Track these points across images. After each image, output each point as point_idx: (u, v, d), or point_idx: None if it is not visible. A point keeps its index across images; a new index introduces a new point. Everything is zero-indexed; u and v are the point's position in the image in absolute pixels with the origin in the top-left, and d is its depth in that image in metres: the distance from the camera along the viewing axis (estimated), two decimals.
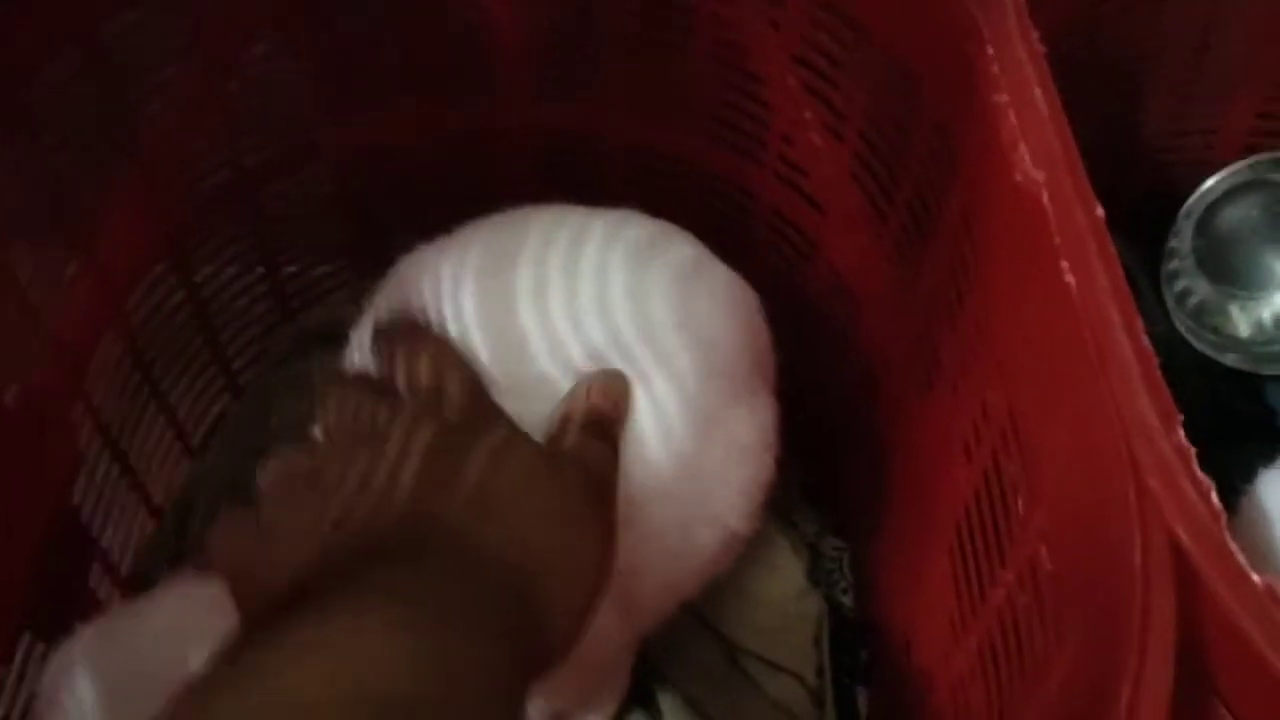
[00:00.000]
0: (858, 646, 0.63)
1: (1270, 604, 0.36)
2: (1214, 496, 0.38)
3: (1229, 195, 0.79)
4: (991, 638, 0.50)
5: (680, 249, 0.57)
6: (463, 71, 0.71)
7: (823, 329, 0.70)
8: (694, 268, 0.56)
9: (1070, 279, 0.43)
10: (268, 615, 0.38)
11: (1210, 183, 0.79)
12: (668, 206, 0.73)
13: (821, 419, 0.70)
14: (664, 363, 0.53)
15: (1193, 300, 0.80)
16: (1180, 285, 0.80)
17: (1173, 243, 0.80)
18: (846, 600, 0.64)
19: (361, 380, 0.52)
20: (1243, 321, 0.80)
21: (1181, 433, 0.39)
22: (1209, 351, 0.78)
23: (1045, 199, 0.46)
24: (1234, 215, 0.80)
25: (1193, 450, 0.39)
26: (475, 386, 0.51)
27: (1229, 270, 0.80)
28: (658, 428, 0.52)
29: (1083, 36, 0.73)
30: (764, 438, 0.56)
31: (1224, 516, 0.38)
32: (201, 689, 0.34)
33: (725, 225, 0.73)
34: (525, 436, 0.48)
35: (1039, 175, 0.47)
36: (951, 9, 0.53)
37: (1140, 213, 0.80)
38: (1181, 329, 0.79)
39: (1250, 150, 0.79)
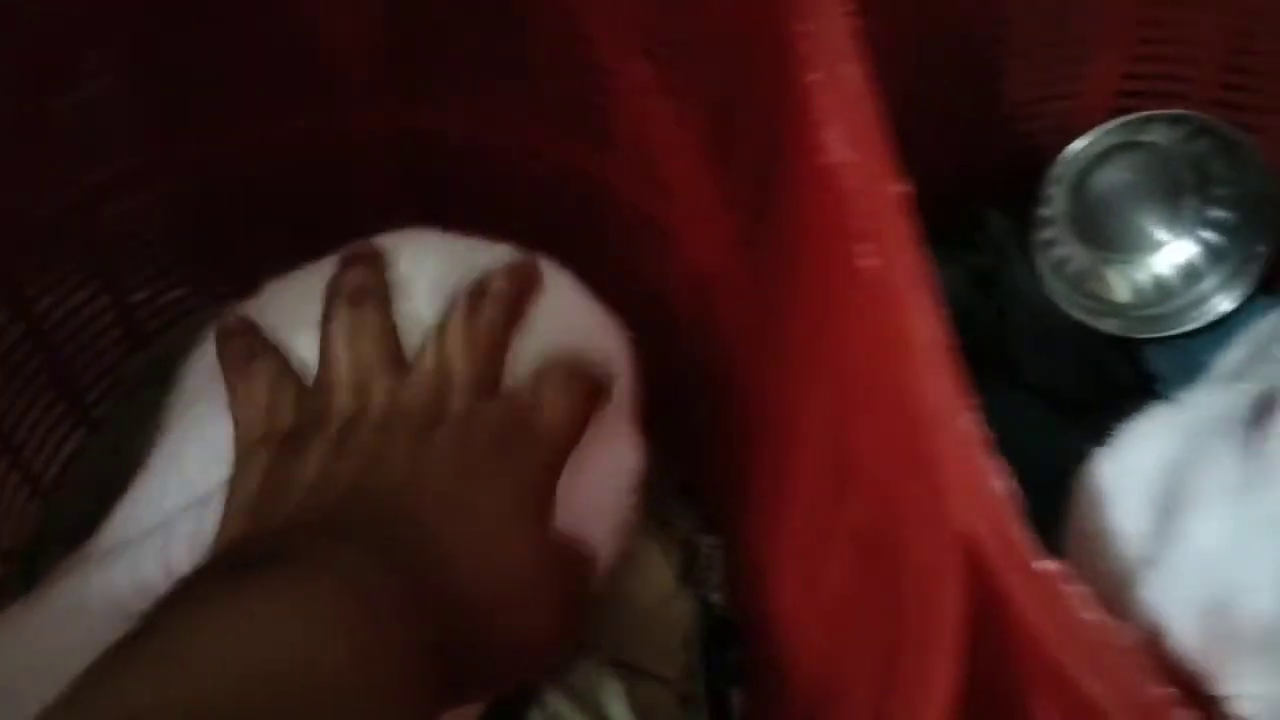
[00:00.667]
0: (726, 646, 0.61)
1: (1059, 595, 0.34)
2: (1006, 484, 0.36)
3: (1100, 159, 0.79)
4: (837, 633, 0.49)
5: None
6: (300, 80, 0.69)
7: (683, 320, 0.68)
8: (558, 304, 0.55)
9: (868, 263, 0.42)
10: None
11: (1078, 145, 0.78)
12: (525, 205, 0.72)
13: (691, 413, 0.68)
14: None
15: (1070, 267, 0.79)
16: (1056, 253, 0.79)
17: (1045, 210, 0.79)
18: (718, 599, 0.63)
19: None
20: (1121, 286, 0.79)
21: (976, 418, 0.38)
22: (1086, 319, 0.78)
23: (849, 180, 0.44)
24: (1107, 179, 0.79)
25: (988, 436, 0.37)
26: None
27: (1105, 235, 0.79)
28: None
29: (937, 8, 0.72)
30: (628, 481, 0.56)
31: (1016, 505, 0.36)
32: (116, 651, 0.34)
33: (581, 221, 0.71)
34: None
35: (845, 156, 0.45)
36: None
37: (1012, 181, 0.79)
38: (1057, 298, 0.78)
39: (1118, 112, 0.78)
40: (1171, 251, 0.78)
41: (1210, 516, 0.43)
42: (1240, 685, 0.39)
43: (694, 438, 0.69)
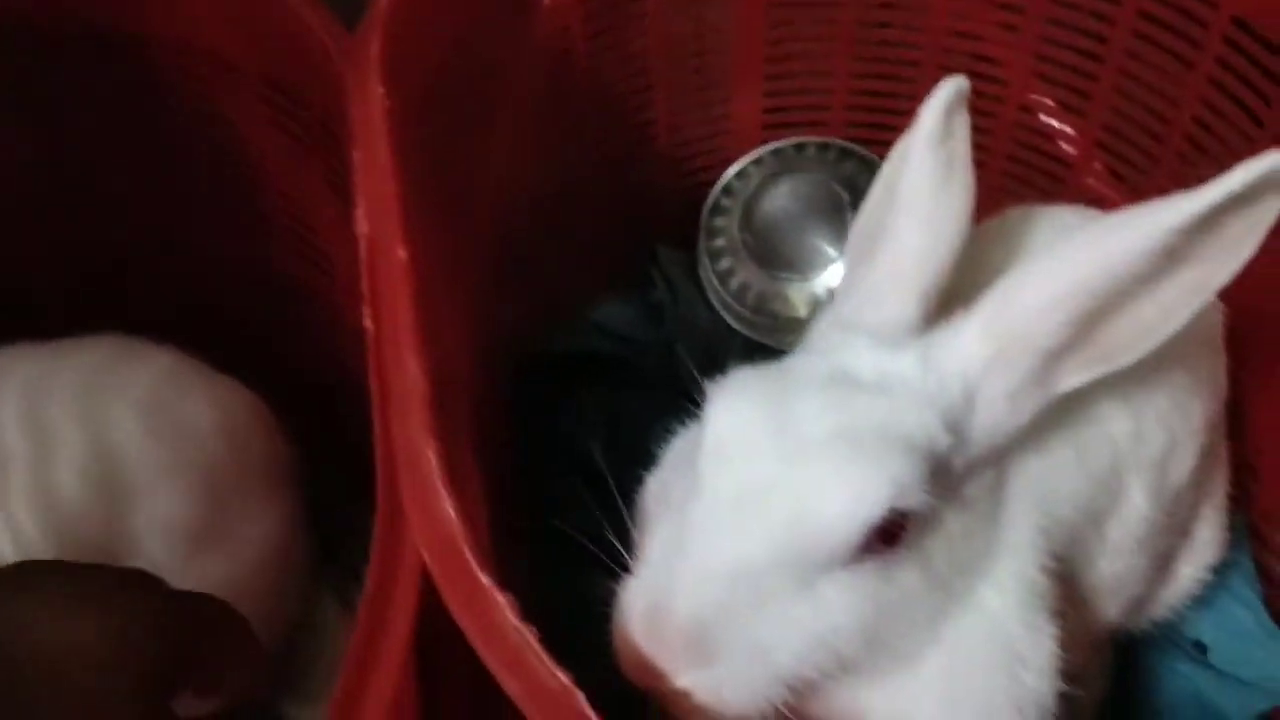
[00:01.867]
0: None
1: (486, 607, 0.38)
2: (456, 512, 0.40)
3: (763, 188, 0.84)
4: None
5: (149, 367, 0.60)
6: None
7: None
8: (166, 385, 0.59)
9: (369, 324, 0.46)
10: None
11: (736, 177, 0.84)
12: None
13: None
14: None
15: (751, 293, 0.84)
16: (736, 281, 0.84)
17: (718, 241, 0.84)
18: None
19: None
20: (800, 303, 0.84)
21: (438, 459, 0.42)
22: (766, 339, 0.82)
23: (366, 250, 0.48)
24: (773, 205, 0.84)
25: (445, 470, 0.41)
26: None
27: (780, 257, 0.84)
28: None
29: (578, 63, 0.77)
30: (277, 543, 0.59)
31: (469, 533, 0.40)
32: None
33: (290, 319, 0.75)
34: None
35: (366, 229, 0.49)
36: (330, 68, 0.56)
37: (680, 218, 0.84)
38: (741, 323, 0.83)
39: (769, 141, 0.83)
40: (840, 265, 0.83)
41: (663, 523, 0.47)
42: (680, 679, 0.43)
43: None
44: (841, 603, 0.43)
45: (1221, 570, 0.68)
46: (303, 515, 0.66)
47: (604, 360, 0.78)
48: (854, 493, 0.42)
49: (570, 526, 0.55)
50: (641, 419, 0.64)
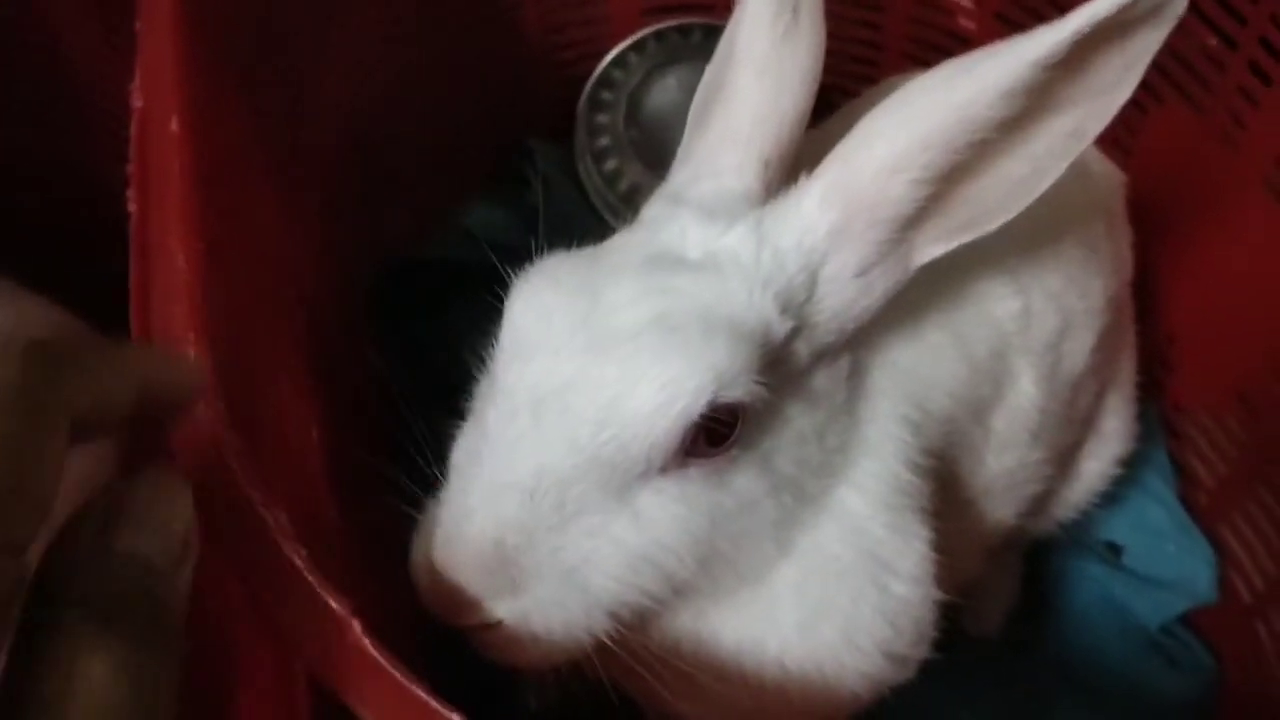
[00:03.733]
0: None
1: (257, 526, 0.33)
2: (221, 417, 0.35)
3: (646, 81, 0.78)
4: None
5: None
6: None
7: None
8: None
9: (133, 207, 0.40)
10: None
11: (609, 62, 0.77)
12: None
13: None
14: None
15: (641, 197, 0.77)
16: (624, 184, 0.78)
17: (602, 140, 0.78)
18: None
19: None
20: None
21: (200, 350, 0.36)
22: None
23: (135, 127, 0.42)
24: (658, 99, 0.78)
25: (212, 368, 0.36)
26: None
27: (670, 156, 0.78)
28: None
29: None
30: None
31: (237, 438, 0.35)
32: None
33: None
34: None
35: (140, 102, 0.43)
36: None
37: (557, 112, 0.78)
38: (608, 214, 0.77)
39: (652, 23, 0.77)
40: None
41: (464, 436, 0.40)
42: (485, 612, 0.37)
43: None
44: (664, 516, 0.37)
45: (1133, 465, 0.63)
46: None
47: (474, 268, 0.72)
48: (667, 385, 0.36)
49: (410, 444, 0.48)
50: None
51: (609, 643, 0.38)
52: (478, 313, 0.72)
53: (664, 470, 0.37)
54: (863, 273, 0.40)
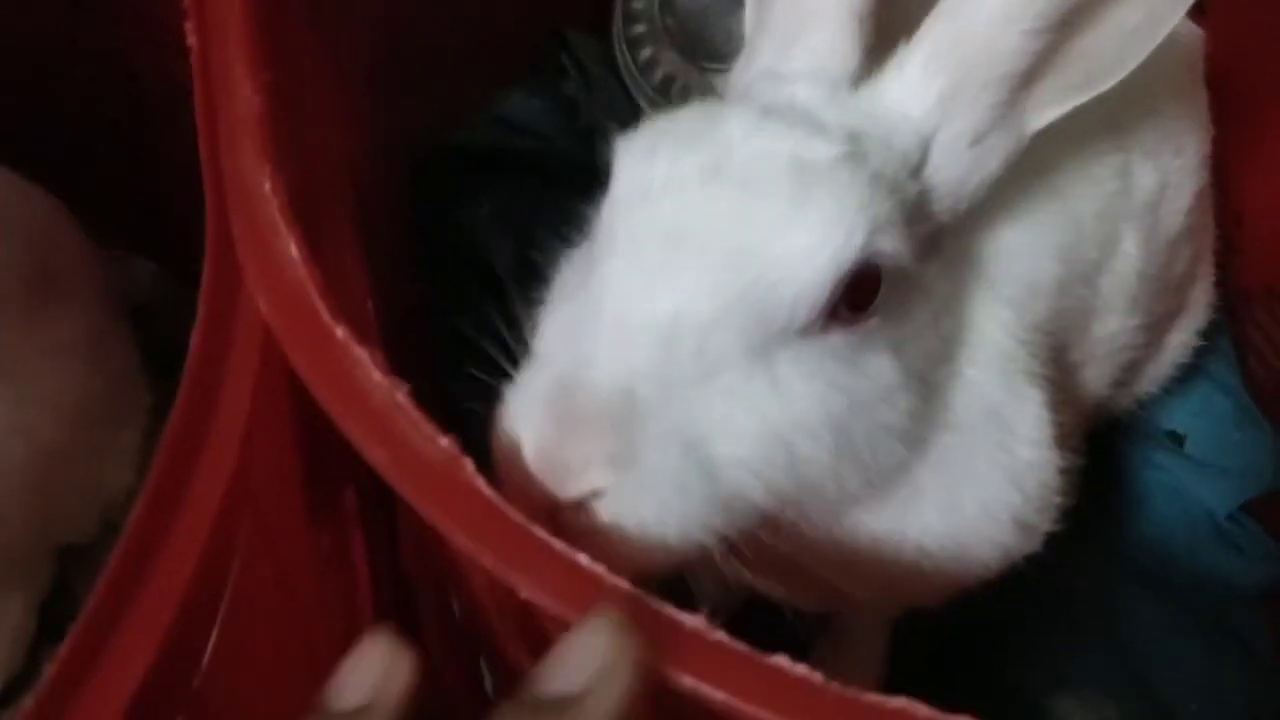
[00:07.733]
0: None
1: (347, 364, 0.30)
2: (305, 260, 0.32)
3: None
4: None
5: None
6: None
7: None
8: None
9: (192, 40, 0.37)
10: None
11: None
12: None
13: None
14: None
15: (676, 86, 0.75)
16: (660, 73, 0.74)
17: (638, 27, 0.74)
18: None
19: None
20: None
21: (278, 189, 0.33)
22: None
23: None
24: None
25: (286, 207, 0.33)
26: None
27: (704, 47, 0.76)
28: None
29: None
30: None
31: (319, 278, 0.32)
32: None
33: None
34: None
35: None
36: None
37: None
38: (644, 103, 0.74)
39: None
40: None
41: (558, 311, 0.37)
42: (589, 479, 0.31)
43: None
44: (804, 389, 0.34)
45: (1201, 353, 0.61)
46: (127, 350, 0.56)
47: (511, 156, 0.69)
48: (821, 225, 0.33)
49: (469, 329, 0.45)
50: (553, 220, 0.55)
51: (722, 561, 0.34)
52: (516, 198, 0.70)
53: (804, 333, 0.34)
54: (977, 140, 0.37)
